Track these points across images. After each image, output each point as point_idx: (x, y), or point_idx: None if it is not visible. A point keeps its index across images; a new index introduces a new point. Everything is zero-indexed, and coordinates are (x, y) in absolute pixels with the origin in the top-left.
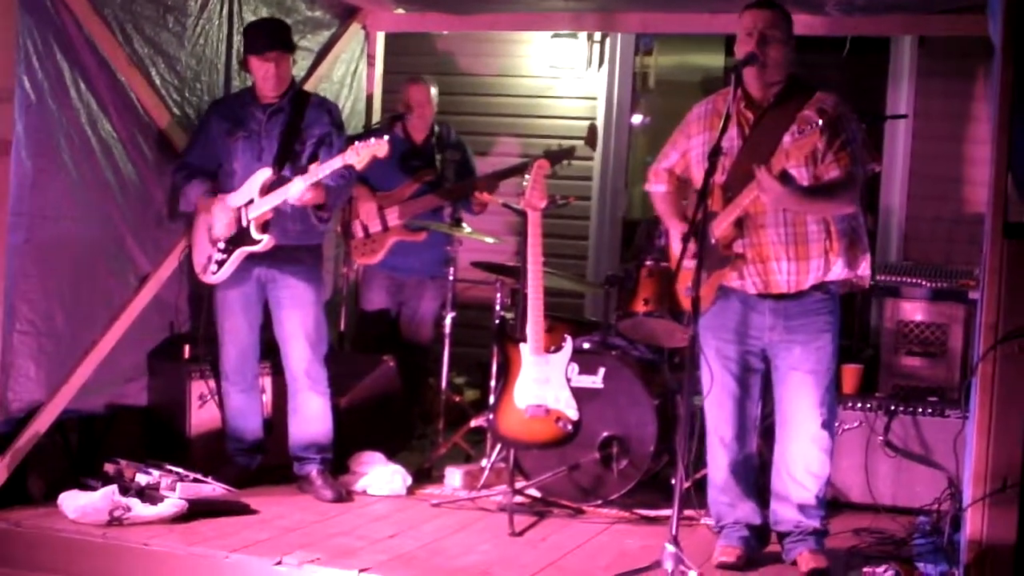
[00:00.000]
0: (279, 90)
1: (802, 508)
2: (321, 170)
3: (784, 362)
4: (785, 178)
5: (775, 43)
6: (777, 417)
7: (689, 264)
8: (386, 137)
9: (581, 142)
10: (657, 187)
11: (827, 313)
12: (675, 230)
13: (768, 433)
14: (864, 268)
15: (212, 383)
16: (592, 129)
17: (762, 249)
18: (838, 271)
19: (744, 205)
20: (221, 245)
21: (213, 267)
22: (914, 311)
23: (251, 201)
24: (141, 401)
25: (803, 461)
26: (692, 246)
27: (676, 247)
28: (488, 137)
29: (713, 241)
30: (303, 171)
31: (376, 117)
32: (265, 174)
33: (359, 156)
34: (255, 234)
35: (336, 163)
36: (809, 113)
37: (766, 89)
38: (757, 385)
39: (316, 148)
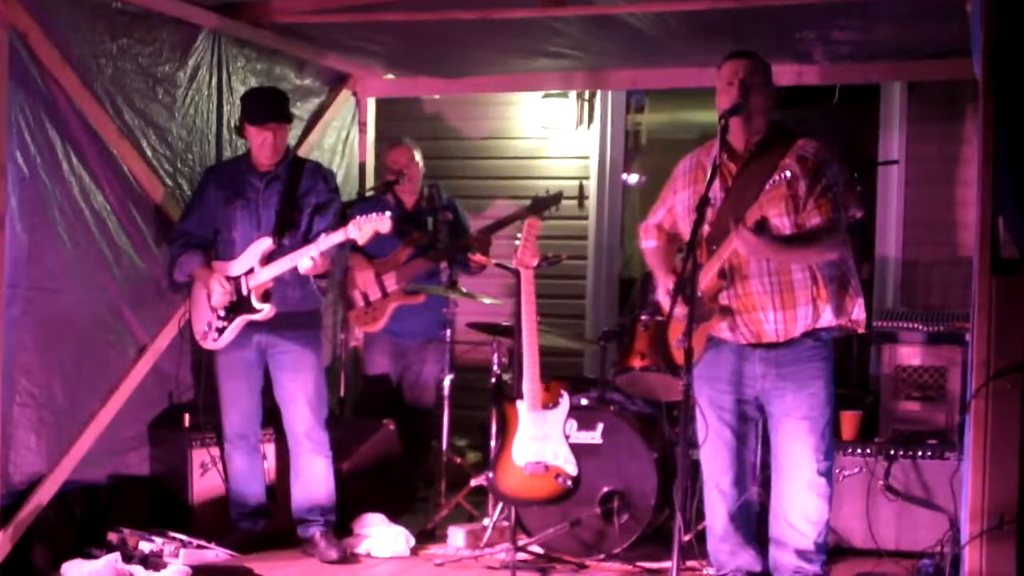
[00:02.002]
0: (275, 159)
1: (801, 554)
2: (327, 242)
3: (777, 409)
4: (762, 229)
5: (757, 90)
6: (773, 464)
7: (679, 316)
8: (388, 213)
9: (568, 189)
10: (648, 243)
11: (819, 360)
12: (663, 283)
13: (767, 482)
14: (858, 313)
15: (213, 451)
16: (580, 188)
17: (748, 299)
18: (828, 318)
19: (725, 257)
20: (221, 313)
21: (214, 334)
22: (912, 356)
23: (251, 270)
24: (144, 471)
25: (800, 508)
26: (680, 298)
27: (664, 300)
28: (482, 200)
29: (699, 294)
30: (305, 241)
31: (369, 183)
32: (265, 244)
33: (361, 231)
34: (256, 303)
35: (338, 237)
36: (789, 161)
37: (751, 137)
38: (753, 433)
39: (313, 216)
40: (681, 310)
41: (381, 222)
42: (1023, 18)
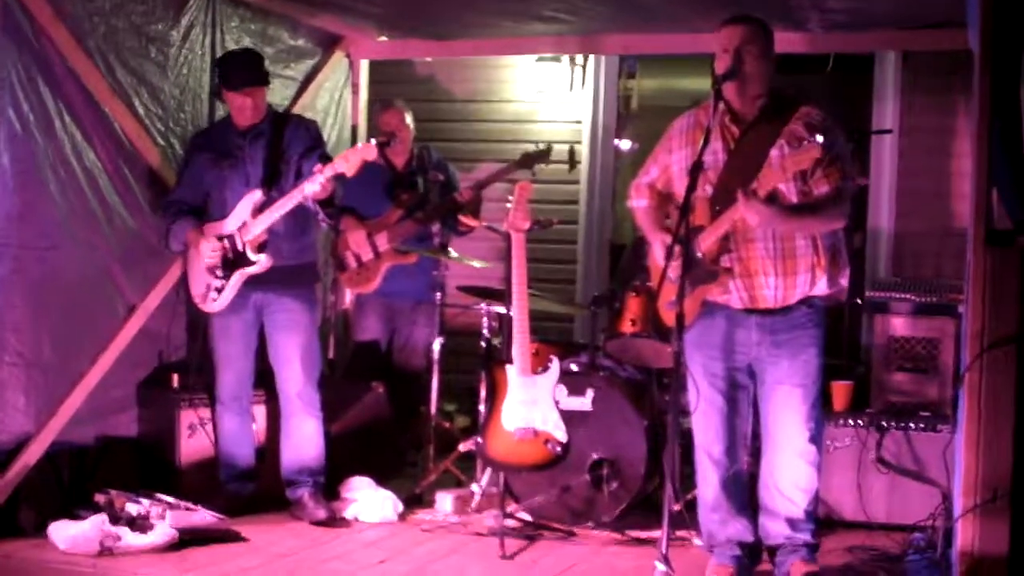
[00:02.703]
0: (255, 119)
1: (791, 522)
2: (317, 179)
3: (771, 376)
4: (771, 198)
5: (752, 57)
6: (763, 432)
7: (672, 277)
8: (373, 141)
9: (557, 145)
10: (639, 202)
11: (813, 327)
12: (657, 243)
13: (758, 452)
14: (844, 281)
15: (202, 412)
16: (571, 152)
17: (750, 264)
18: (822, 287)
19: (733, 220)
20: (219, 272)
21: (213, 294)
22: (904, 327)
23: (244, 224)
24: (131, 432)
25: (791, 475)
26: (675, 260)
27: (659, 260)
28: (474, 163)
29: (699, 255)
30: (294, 189)
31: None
32: (255, 196)
33: (348, 163)
34: (251, 255)
35: (329, 171)
36: (796, 127)
37: (749, 103)
38: (745, 401)
39: (300, 162)
40: (676, 271)
41: (367, 150)
42: None
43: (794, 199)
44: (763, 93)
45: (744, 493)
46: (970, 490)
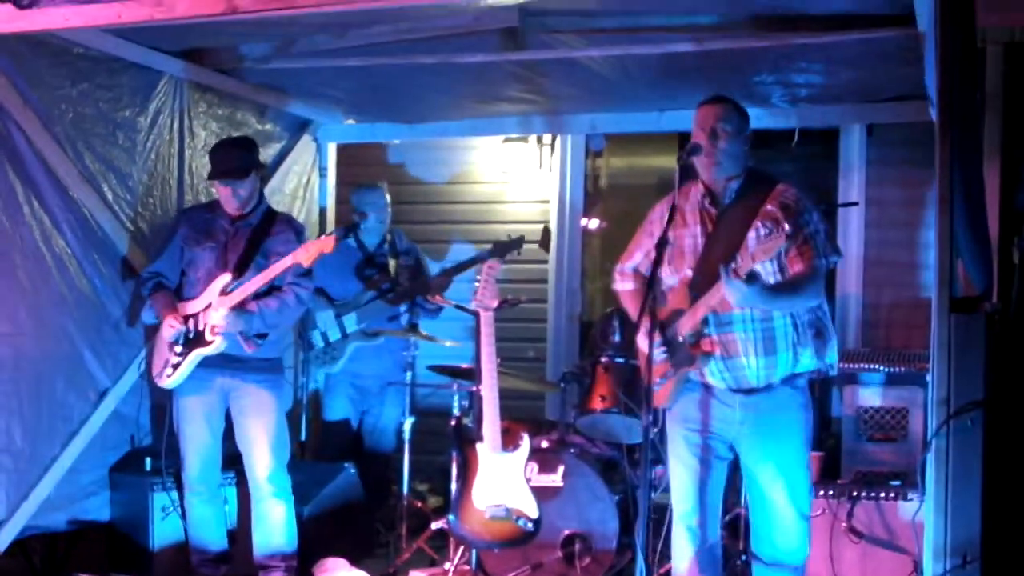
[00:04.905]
0: (243, 210)
1: None
2: (277, 267)
3: (754, 455)
4: (752, 278)
5: (725, 136)
6: (752, 507)
7: (657, 360)
8: (333, 234)
9: (530, 232)
10: (623, 285)
11: (798, 408)
12: (643, 327)
13: (732, 527)
14: (831, 356)
15: (175, 495)
16: (546, 232)
17: (730, 346)
18: (807, 362)
19: (711, 304)
20: (178, 349)
21: (169, 370)
22: (873, 397)
23: (209, 305)
24: (104, 516)
25: (783, 548)
26: (656, 339)
27: (643, 343)
28: (443, 244)
29: (680, 339)
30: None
31: (330, 227)
32: (224, 279)
33: (308, 252)
34: (208, 336)
35: (287, 261)
36: (772, 208)
37: (724, 183)
38: (724, 474)
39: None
40: (659, 352)
41: (325, 243)
42: (975, 63)
43: (772, 278)
44: (739, 173)
45: (718, 567)
46: (940, 556)
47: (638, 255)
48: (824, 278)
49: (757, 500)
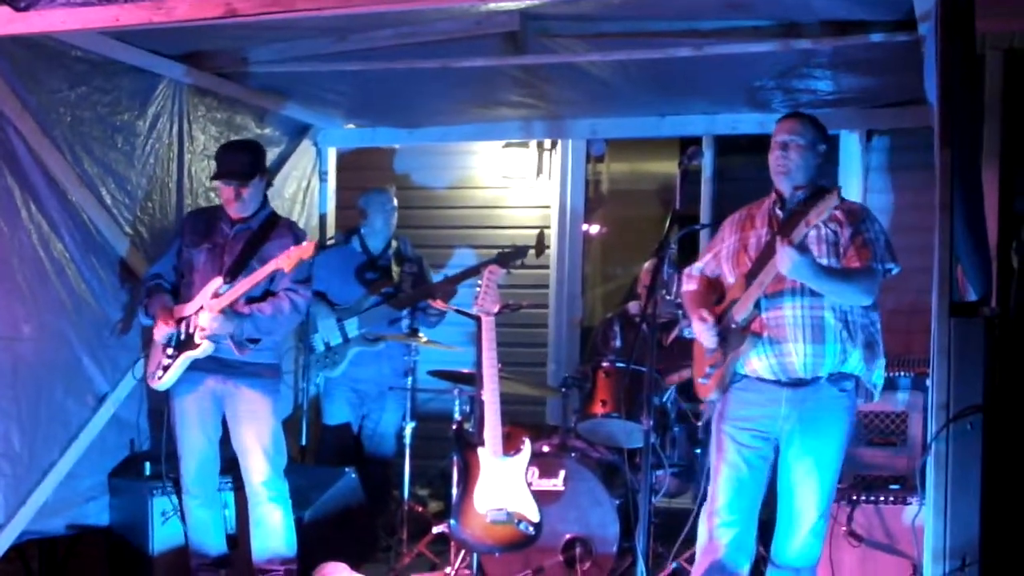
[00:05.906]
0: (244, 213)
1: None
2: (260, 273)
3: (796, 451)
4: (803, 248)
5: (795, 148)
6: (780, 501)
7: (711, 351)
8: (314, 240)
9: (529, 238)
10: (688, 286)
11: (843, 410)
12: (695, 319)
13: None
14: (878, 375)
15: (174, 499)
16: (540, 236)
17: (780, 330)
18: (855, 364)
19: (764, 282)
20: (169, 351)
21: (159, 372)
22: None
23: (201, 308)
24: (103, 521)
25: (801, 548)
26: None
27: (698, 335)
28: (443, 249)
29: (734, 325)
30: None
31: (330, 232)
32: (216, 283)
33: (289, 259)
34: (196, 339)
35: (269, 267)
36: (837, 212)
37: (792, 192)
38: (764, 477)
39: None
40: (712, 339)
41: (305, 249)
42: (975, 69)
43: None
44: (807, 184)
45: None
46: (939, 559)
47: (707, 256)
48: (879, 284)
49: (785, 494)
